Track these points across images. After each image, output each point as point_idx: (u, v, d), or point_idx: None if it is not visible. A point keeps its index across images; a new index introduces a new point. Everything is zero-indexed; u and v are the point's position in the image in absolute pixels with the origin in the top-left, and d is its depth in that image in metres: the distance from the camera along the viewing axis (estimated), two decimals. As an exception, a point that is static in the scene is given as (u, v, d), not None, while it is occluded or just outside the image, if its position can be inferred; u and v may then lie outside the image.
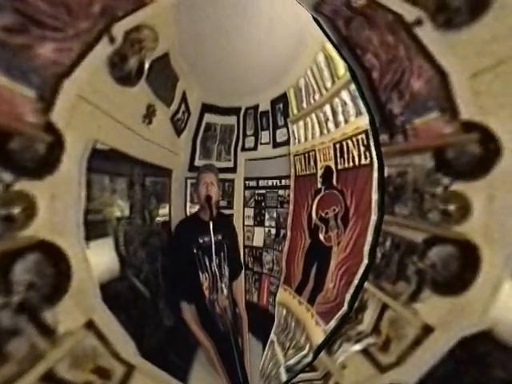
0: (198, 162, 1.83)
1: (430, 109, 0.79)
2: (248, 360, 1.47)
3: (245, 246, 1.93)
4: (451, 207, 0.69)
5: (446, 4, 0.71)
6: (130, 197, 1.29)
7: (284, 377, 1.39)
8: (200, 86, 1.75)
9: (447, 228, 0.71)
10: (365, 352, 0.96)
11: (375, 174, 1.01)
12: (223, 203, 1.96)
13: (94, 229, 1.03)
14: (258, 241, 1.93)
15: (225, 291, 1.47)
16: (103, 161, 1.11)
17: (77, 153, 0.96)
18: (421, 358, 0.72)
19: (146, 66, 1.22)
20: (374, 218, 0.98)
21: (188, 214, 1.77)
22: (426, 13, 0.76)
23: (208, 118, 1.87)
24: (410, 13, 0.79)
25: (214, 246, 1.41)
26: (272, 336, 1.68)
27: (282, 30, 1.51)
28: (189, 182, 1.74)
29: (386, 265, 0.91)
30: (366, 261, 1.02)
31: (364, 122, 1.16)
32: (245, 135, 1.97)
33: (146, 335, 1.24)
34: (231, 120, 1.95)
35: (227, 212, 1.92)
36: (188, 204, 1.73)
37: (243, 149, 1.96)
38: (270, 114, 1.94)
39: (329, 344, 1.19)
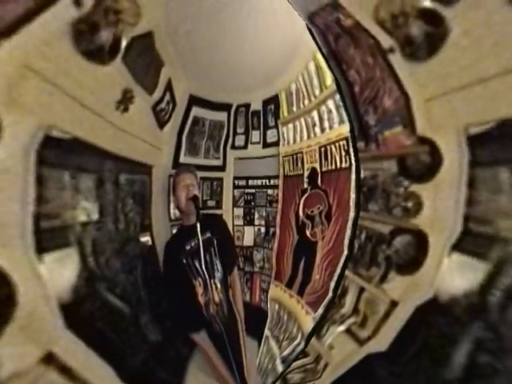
0: (183, 159, 1.73)
1: (396, 123, 1.00)
2: (246, 360, 1.45)
3: (235, 247, 1.93)
4: (409, 204, 0.91)
5: (412, 39, 0.90)
6: (98, 197, 1.10)
7: (280, 368, 1.51)
8: (188, 76, 1.62)
9: (406, 221, 0.93)
10: (347, 331, 1.16)
11: (353, 176, 1.22)
12: (211, 203, 1.93)
13: (49, 238, 0.83)
14: (248, 240, 2.00)
15: (218, 286, 1.42)
16: (61, 152, 0.89)
17: (21, 140, 0.75)
18: (390, 328, 0.93)
19: (124, 43, 1.06)
20: (352, 214, 1.19)
21: (172, 216, 1.65)
22: (397, 43, 0.95)
23: (196, 111, 1.76)
24: (385, 41, 0.97)
25: (201, 245, 1.34)
26: (266, 332, 1.79)
27: (277, 32, 1.53)
28: (172, 180, 1.59)
29: (362, 254, 1.13)
30: (345, 252, 1.23)
31: (345, 129, 1.35)
32: (235, 133, 1.97)
33: (128, 356, 1.11)
34: (221, 116, 1.92)
35: (216, 212, 1.90)
36: (172, 206, 1.63)
37: (233, 147, 1.97)
38: (262, 114, 1.97)
39: (318, 330, 1.36)
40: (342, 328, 1.20)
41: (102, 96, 1.07)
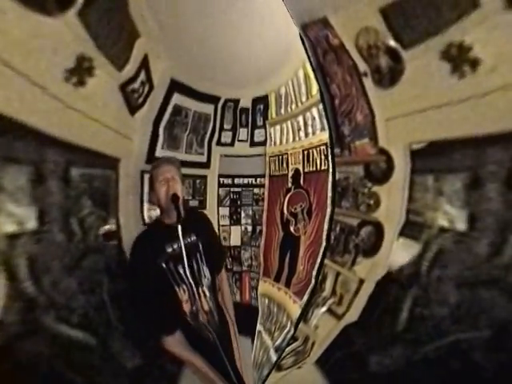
0: (160, 152, 1.66)
1: (364, 135, 1.35)
2: (240, 359, 1.47)
3: (221, 245, 2.06)
4: (371, 201, 1.28)
5: (380, 69, 1.22)
6: (37, 198, 0.88)
7: (274, 357, 1.74)
8: (171, 56, 1.48)
9: (369, 215, 1.30)
10: (328, 310, 1.50)
11: (330, 178, 1.55)
12: (194, 202, 2.01)
13: None
14: (235, 240, 2.22)
15: (207, 294, 1.39)
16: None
17: None
18: (359, 302, 1.29)
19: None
20: (328, 210, 1.53)
21: (147, 218, 1.56)
22: (369, 69, 1.26)
23: (178, 99, 1.68)
24: (362, 65, 1.28)
25: (185, 251, 1.28)
26: (259, 327, 2.05)
27: (272, 33, 1.61)
28: (146, 176, 1.49)
29: (337, 244, 1.49)
30: (324, 243, 1.57)
31: (325, 136, 1.67)
32: (222, 128, 2.07)
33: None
34: (207, 108, 1.92)
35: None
36: (146, 206, 1.55)
37: (219, 143, 2.08)
38: (250, 112, 2.11)
39: (304, 315, 1.67)
40: (323, 309, 1.54)
41: (43, 59, 0.83)
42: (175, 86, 1.64)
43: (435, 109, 1.01)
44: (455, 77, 0.94)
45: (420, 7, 1.00)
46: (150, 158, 1.60)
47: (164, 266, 1.29)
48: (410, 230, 1.07)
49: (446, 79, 0.96)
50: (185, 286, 1.32)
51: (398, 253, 1.10)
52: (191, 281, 1.33)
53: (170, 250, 1.32)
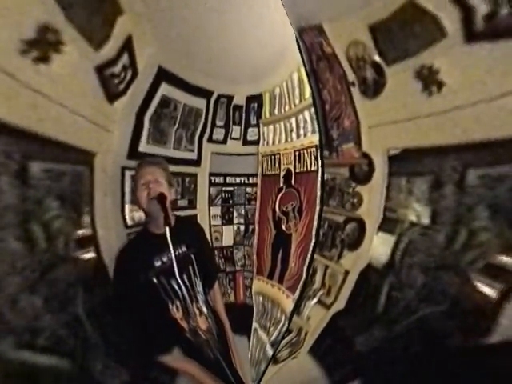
0: (145, 147, 1.57)
1: (350, 140, 1.58)
2: (237, 361, 1.47)
3: (214, 248, 2.19)
4: (355, 200, 1.51)
5: (366, 80, 1.43)
6: None
7: (270, 352, 1.88)
8: (159, 41, 1.38)
9: (353, 212, 1.55)
10: (318, 301, 1.72)
11: (319, 178, 1.76)
12: (183, 202, 2.00)
13: None
14: (227, 240, 2.32)
15: (204, 310, 1.35)
16: None
17: None
18: (345, 291, 1.52)
19: None
20: (317, 208, 1.75)
21: (129, 220, 1.47)
22: (357, 80, 1.46)
23: (166, 90, 1.60)
24: (350, 75, 1.48)
25: (176, 263, 1.22)
26: (254, 324, 2.20)
27: (270, 32, 1.65)
28: (128, 174, 1.41)
29: (325, 240, 1.73)
30: (313, 240, 1.80)
31: (316, 138, 1.86)
32: (214, 125, 2.11)
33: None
34: (199, 103, 1.91)
35: (189, 213, 2.03)
36: (128, 206, 1.47)
37: (210, 140, 2.11)
38: (244, 110, 2.19)
39: (297, 308, 1.87)
40: (314, 301, 1.77)
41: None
42: (163, 75, 1.53)
43: (408, 120, 1.25)
44: (425, 94, 1.17)
45: (402, 30, 1.21)
46: (133, 153, 1.50)
47: (155, 280, 1.23)
48: (387, 225, 1.32)
49: (418, 96, 1.20)
50: (178, 303, 1.28)
51: (377, 245, 1.35)
52: (186, 297, 1.29)
53: (158, 263, 1.25)
